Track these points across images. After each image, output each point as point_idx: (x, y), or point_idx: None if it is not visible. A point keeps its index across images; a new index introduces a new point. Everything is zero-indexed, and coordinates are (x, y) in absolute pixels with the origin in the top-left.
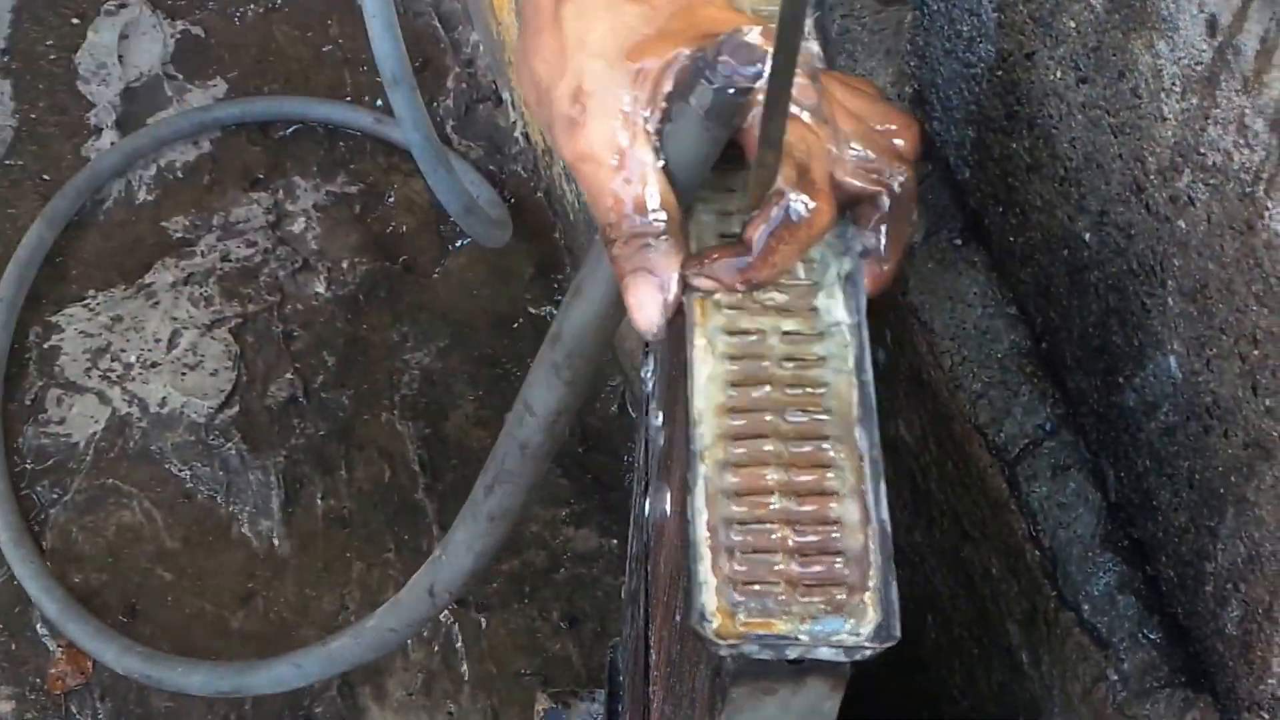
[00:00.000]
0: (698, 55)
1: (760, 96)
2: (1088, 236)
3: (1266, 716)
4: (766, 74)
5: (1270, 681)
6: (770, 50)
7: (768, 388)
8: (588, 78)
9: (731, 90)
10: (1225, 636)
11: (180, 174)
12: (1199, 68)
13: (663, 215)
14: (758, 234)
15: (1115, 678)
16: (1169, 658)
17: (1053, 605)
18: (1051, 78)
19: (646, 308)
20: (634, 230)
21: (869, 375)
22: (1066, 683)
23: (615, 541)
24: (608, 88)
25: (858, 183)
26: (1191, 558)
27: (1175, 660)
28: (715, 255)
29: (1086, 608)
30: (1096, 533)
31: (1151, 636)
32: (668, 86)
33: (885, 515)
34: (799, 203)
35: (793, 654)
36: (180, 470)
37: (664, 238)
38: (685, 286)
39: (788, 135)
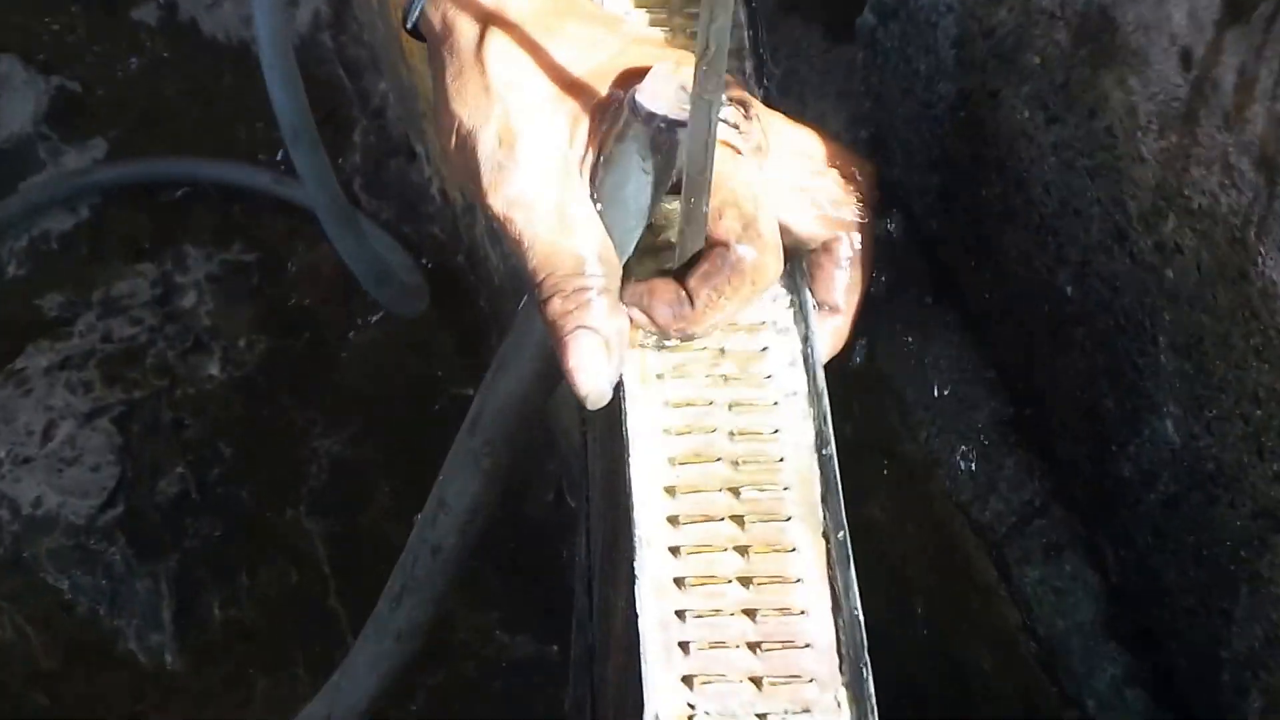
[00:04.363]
0: (631, 94)
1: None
2: (1069, 290)
3: None
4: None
5: None
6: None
7: (719, 465)
8: (516, 119)
9: (664, 127)
10: None
11: (55, 245)
12: (1176, 104)
13: (602, 267)
14: (699, 285)
15: None
16: None
17: (1053, 703)
18: (1019, 117)
19: (591, 369)
20: (575, 284)
21: (831, 448)
22: None
23: (556, 648)
24: (539, 129)
25: (810, 229)
26: (1204, 644)
27: None
28: (657, 293)
29: (1091, 703)
30: (1098, 620)
31: None
32: (601, 128)
33: (857, 603)
34: (744, 255)
35: None
36: (57, 580)
37: (606, 292)
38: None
39: (734, 182)
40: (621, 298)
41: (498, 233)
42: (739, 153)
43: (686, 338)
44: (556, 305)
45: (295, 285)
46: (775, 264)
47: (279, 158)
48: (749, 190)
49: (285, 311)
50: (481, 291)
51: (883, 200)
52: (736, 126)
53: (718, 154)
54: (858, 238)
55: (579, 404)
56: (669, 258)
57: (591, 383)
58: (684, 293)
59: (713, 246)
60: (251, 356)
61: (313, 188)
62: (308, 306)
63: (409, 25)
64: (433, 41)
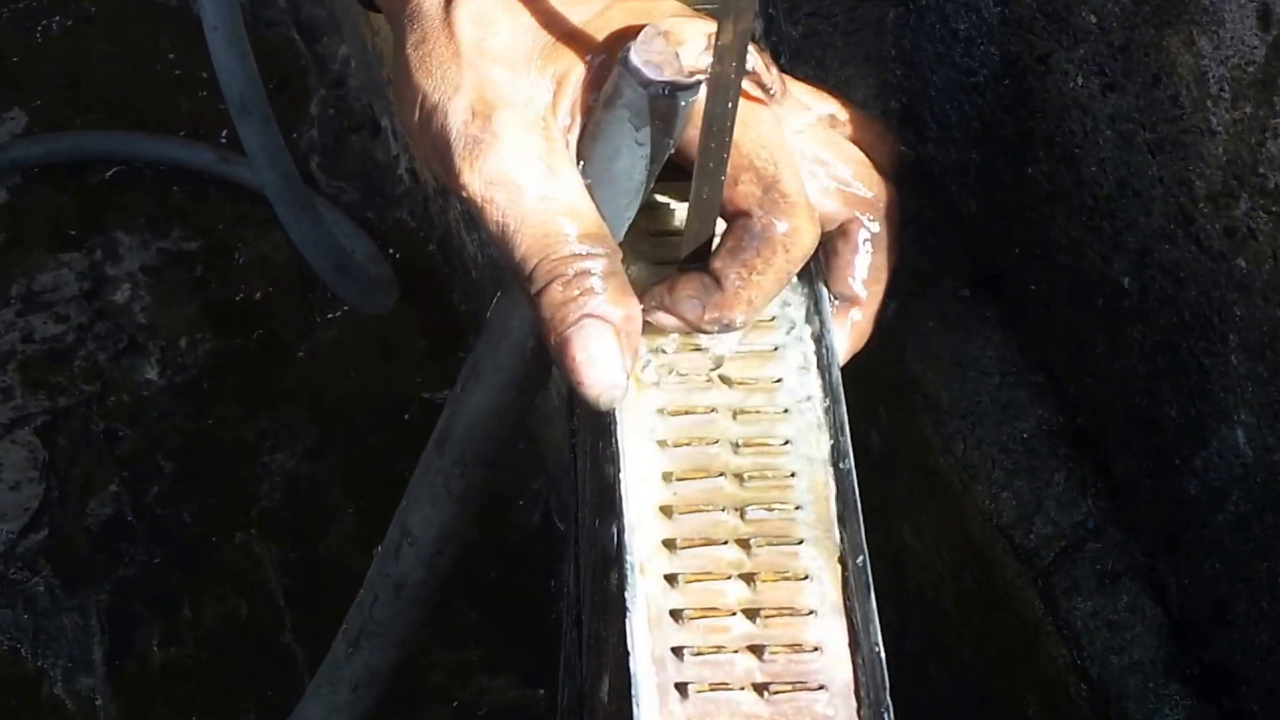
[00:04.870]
0: (622, 56)
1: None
2: (1127, 281)
3: None
4: (701, 63)
5: None
6: (705, 39)
7: (721, 480)
8: (492, 88)
9: (664, 92)
10: None
11: None
12: (1251, 69)
13: (602, 248)
14: (726, 264)
15: None
16: None
17: None
18: (1071, 85)
19: (602, 363)
20: (577, 267)
21: (849, 461)
22: None
23: (542, 691)
24: (518, 98)
25: (826, 208)
26: None
27: None
28: (679, 286)
29: None
30: (1158, 658)
31: None
32: (589, 94)
33: (878, 638)
34: (770, 222)
35: None
36: None
37: (612, 274)
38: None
39: (747, 142)
40: (643, 301)
41: (475, 218)
42: (757, 100)
43: (725, 329)
44: (556, 293)
45: (243, 278)
46: (809, 226)
47: (224, 134)
48: (764, 149)
49: (232, 308)
50: (456, 285)
51: (913, 177)
52: (752, 72)
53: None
54: (881, 219)
55: (578, 410)
56: (666, 243)
57: (605, 378)
58: (708, 279)
59: (734, 218)
60: (194, 359)
61: (263, 167)
62: (258, 302)
63: None
64: (389, 7)
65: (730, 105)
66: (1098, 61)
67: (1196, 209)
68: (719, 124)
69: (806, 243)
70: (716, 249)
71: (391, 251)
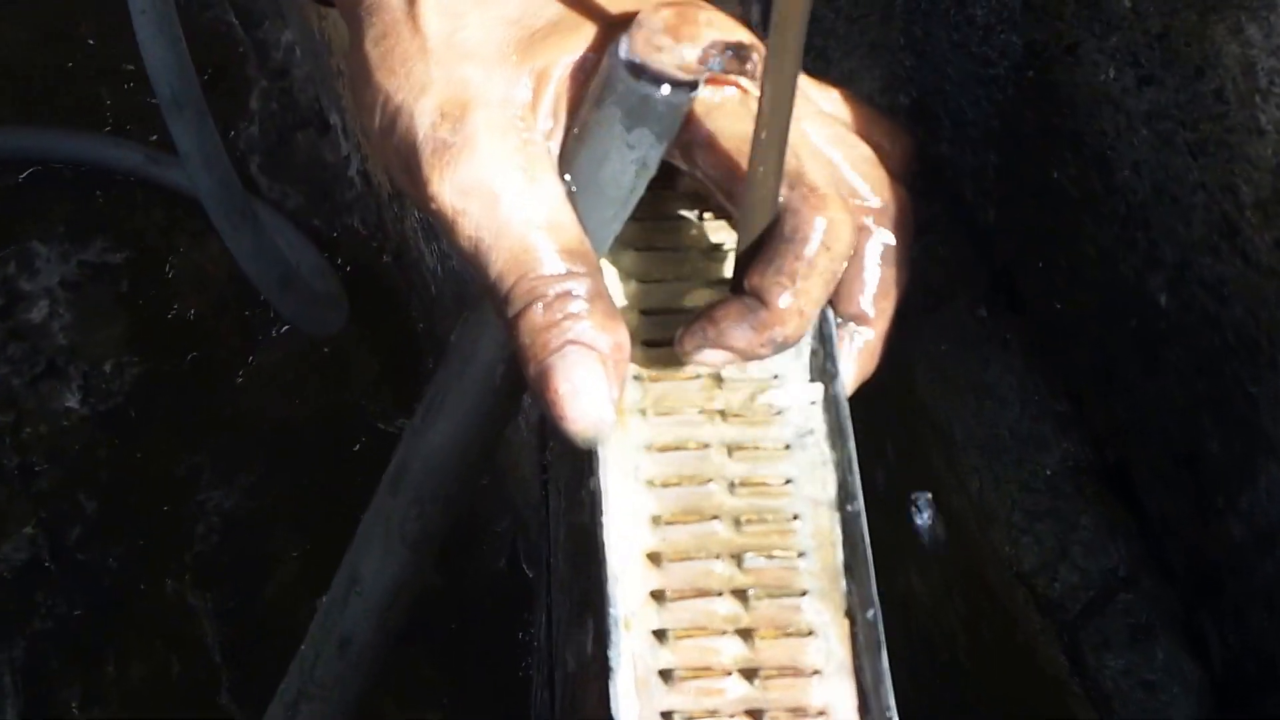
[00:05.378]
0: (613, 47)
1: (700, 94)
2: (1164, 299)
3: None
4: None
5: None
6: (707, 28)
7: (715, 524)
8: (464, 87)
9: (659, 90)
10: None
11: None
12: None
13: (584, 266)
14: (765, 279)
15: None
16: None
17: None
18: (1102, 78)
19: (588, 395)
20: (559, 288)
21: (858, 503)
22: None
23: None
24: (493, 97)
25: None
26: None
27: None
28: (720, 318)
29: None
30: None
31: None
32: (574, 92)
33: (890, 702)
34: (804, 220)
35: None
36: None
37: (597, 297)
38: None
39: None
40: (681, 344)
41: (443, 232)
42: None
43: (781, 348)
44: (537, 317)
45: (176, 293)
46: (846, 217)
47: (154, 132)
48: None
49: (163, 327)
50: (413, 301)
51: (924, 180)
52: (745, 71)
53: (731, 112)
54: (892, 228)
55: (552, 443)
56: (651, 259)
57: (591, 412)
58: (749, 299)
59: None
60: (120, 384)
61: (197, 169)
62: (192, 320)
63: None
64: (345, 1)
65: (792, 88)
66: (1133, 51)
67: (1243, 218)
68: (780, 110)
69: (847, 236)
70: (748, 265)
71: (341, 264)
